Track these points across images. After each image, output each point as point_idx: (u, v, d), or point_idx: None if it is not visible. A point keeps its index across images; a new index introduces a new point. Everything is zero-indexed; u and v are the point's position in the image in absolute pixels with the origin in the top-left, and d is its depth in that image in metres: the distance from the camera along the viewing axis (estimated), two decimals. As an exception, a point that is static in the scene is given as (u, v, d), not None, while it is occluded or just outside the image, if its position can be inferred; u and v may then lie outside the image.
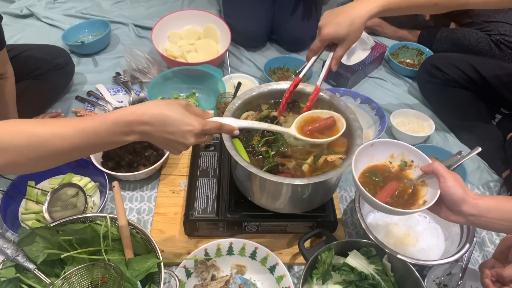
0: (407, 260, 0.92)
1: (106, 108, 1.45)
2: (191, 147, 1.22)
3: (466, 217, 0.74)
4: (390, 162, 0.88)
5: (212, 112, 0.82)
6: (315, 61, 1.00)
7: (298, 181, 0.84)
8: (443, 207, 0.77)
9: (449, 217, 0.77)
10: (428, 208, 0.78)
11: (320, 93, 1.02)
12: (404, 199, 0.81)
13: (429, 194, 0.79)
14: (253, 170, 0.85)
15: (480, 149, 1.03)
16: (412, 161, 0.85)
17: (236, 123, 0.83)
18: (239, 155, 0.88)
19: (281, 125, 1.00)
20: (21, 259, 0.84)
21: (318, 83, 0.98)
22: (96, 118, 0.68)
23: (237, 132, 0.83)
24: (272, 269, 0.98)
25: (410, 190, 0.82)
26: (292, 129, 0.90)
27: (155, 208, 1.15)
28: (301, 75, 0.99)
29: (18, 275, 0.84)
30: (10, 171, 0.69)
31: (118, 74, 1.59)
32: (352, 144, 0.93)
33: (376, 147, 0.86)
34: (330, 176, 0.85)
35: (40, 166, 0.69)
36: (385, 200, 0.80)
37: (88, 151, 0.71)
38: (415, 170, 0.85)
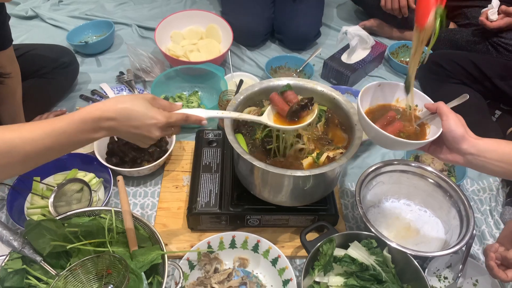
0: (407, 251, 0.93)
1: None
2: (193, 146, 1.24)
3: (465, 155, 0.76)
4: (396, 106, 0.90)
5: (180, 104, 0.83)
6: None
7: (299, 173, 0.86)
8: (443, 148, 0.79)
9: (447, 156, 0.79)
10: (428, 151, 0.80)
11: (321, 88, 1.04)
12: (408, 138, 0.82)
13: (431, 134, 0.82)
14: (256, 162, 0.86)
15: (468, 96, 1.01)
16: (417, 105, 0.88)
17: (205, 114, 0.83)
18: (242, 148, 0.90)
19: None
20: (27, 251, 0.86)
21: None
22: (63, 119, 0.70)
23: (205, 122, 0.83)
24: (274, 262, 1.00)
25: (414, 130, 0.84)
26: (264, 117, 0.90)
27: (159, 203, 1.17)
28: None
29: (24, 266, 0.86)
30: None
31: (121, 73, 1.62)
32: (353, 137, 0.95)
33: (382, 89, 0.88)
34: (331, 168, 0.87)
35: (13, 172, 0.70)
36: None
37: (60, 152, 0.72)
38: (419, 114, 0.87)
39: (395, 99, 0.90)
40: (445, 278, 1.03)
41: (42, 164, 0.72)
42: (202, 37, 1.75)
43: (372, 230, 0.97)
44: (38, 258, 0.86)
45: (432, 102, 0.84)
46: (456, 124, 0.76)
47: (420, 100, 0.87)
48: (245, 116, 0.91)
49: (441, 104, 0.80)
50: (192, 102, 1.47)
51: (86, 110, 0.71)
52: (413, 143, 0.79)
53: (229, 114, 0.89)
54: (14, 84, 1.19)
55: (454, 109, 0.82)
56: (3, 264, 0.84)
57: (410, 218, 1.12)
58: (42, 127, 0.68)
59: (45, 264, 0.86)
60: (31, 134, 0.67)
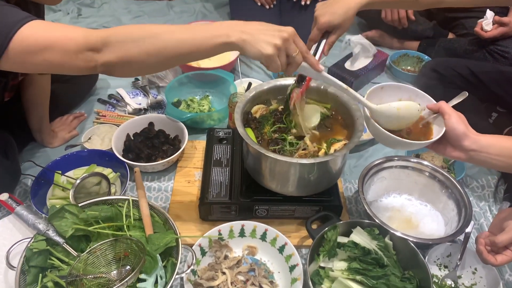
0: (409, 238, 0.98)
1: (125, 109, 1.56)
2: (204, 145, 1.31)
3: (467, 152, 0.81)
4: None
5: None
6: (316, 49, 1.05)
7: (305, 161, 0.92)
8: (447, 145, 0.84)
9: (451, 153, 0.83)
10: (433, 149, 0.85)
11: (324, 87, 1.12)
12: (412, 138, 0.86)
13: (435, 133, 0.86)
14: (263, 151, 0.93)
15: (467, 94, 1.06)
16: (419, 105, 0.91)
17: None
18: (251, 139, 0.97)
19: (291, 115, 1.08)
20: (51, 233, 0.92)
21: None
22: (209, 39, 0.77)
23: (321, 68, 0.86)
24: (281, 249, 1.05)
25: (420, 129, 0.89)
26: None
27: (172, 196, 1.23)
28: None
29: (48, 247, 0.92)
30: (123, 66, 0.80)
31: (136, 79, 1.71)
32: (355, 130, 1.01)
33: (385, 91, 0.93)
34: (334, 156, 0.93)
35: (149, 62, 0.79)
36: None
37: (191, 50, 0.77)
38: (423, 113, 0.90)
39: (397, 99, 0.94)
40: (445, 267, 1.07)
41: (174, 64, 0.88)
42: (212, 46, 1.84)
43: (375, 220, 1.03)
44: (61, 240, 0.92)
45: (435, 102, 0.89)
46: (458, 122, 0.81)
47: (422, 101, 0.92)
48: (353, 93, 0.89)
49: (442, 103, 0.85)
50: (203, 106, 1.55)
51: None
52: (418, 143, 0.83)
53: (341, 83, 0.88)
54: (46, 86, 1.28)
55: (455, 108, 0.89)
56: (29, 245, 0.91)
57: (412, 211, 1.17)
58: (184, 25, 0.81)
59: (67, 246, 0.92)
60: (172, 27, 0.80)
